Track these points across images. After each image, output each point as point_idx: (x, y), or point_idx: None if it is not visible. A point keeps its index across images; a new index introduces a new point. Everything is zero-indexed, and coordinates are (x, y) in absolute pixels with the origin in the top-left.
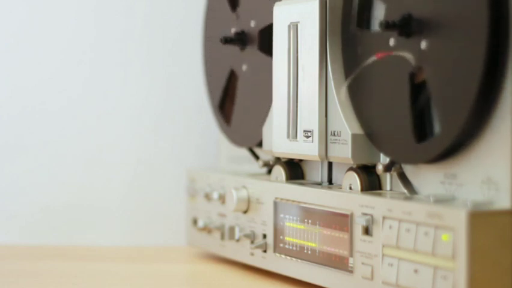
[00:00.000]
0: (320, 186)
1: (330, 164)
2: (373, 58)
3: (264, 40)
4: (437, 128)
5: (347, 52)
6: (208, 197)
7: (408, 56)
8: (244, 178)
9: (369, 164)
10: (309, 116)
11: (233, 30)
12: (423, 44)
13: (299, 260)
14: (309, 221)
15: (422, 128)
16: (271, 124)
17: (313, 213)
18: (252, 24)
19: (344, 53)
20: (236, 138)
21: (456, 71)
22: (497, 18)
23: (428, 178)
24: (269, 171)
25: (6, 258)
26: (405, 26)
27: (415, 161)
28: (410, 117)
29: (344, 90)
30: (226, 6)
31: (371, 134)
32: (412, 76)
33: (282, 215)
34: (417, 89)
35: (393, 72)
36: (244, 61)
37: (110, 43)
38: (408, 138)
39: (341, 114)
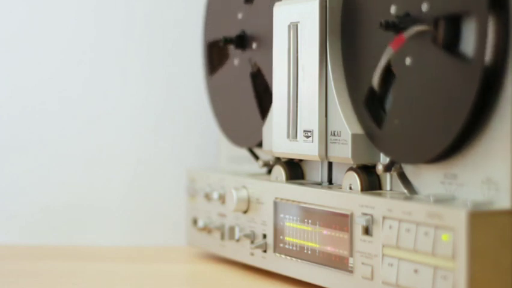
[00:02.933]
0: (320, 186)
1: (330, 164)
2: (389, 50)
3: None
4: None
5: (347, 52)
6: (208, 197)
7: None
8: (244, 178)
9: (369, 164)
10: (309, 116)
11: (234, 31)
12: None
13: (299, 260)
14: (309, 221)
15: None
16: (271, 124)
17: (313, 213)
18: (254, 24)
19: (344, 53)
20: (236, 138)
21: (456, 70)
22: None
23: (428, 178)
24: (269, 171)
25: (6, 258)
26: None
27: (415, 161)
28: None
29: (375, 80)
30: (227, 6)
31: (371, 134)
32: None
33: (282, 215)
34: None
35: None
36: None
37: (110, 43)
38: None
39: (341, 114)
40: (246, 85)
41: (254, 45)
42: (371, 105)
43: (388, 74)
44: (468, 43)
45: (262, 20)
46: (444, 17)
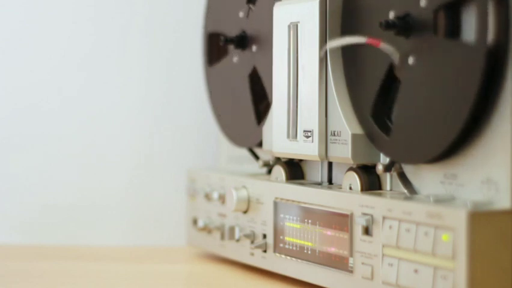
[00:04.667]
0: (320, 186)
1: (330, 164)
2: (362, 40)
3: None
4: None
5: (347, 52)
6: (208, 197)
7: (395, 53)
8: (244, 178)
9: (369, 164)
10: (309, 116)
11: (234, 31)
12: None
13: (299, 260)
14: (309, 221)
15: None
16: (271, 124)
17: (313, 213)
18: (254, 24)
19: (344, 53)
20: (236, 138)
21: (456, 70)
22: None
23: (428, 178)
24: (269, 171)
25: (6, 258)
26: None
27: (415, 161)
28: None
29: (322, 51)
30: (227, 6)
31: (371, 134)
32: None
33: (282, 215)
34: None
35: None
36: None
37: (110, 43)
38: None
39: (341, 114)
40: (244, 86)
41: (254, 48)
42: (377, 115)
43: (390, 80)
44: (469, 30)
45: (263, 22)
46: (444, 7)
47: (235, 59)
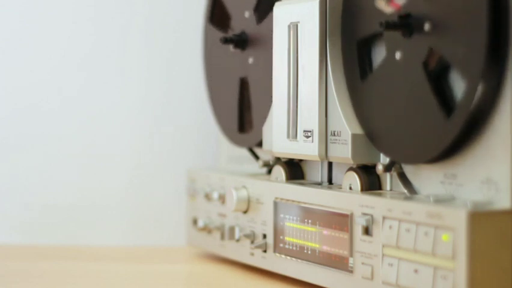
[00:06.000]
0: (320, 186)
1: (330, 164)
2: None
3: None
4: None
5: (347, 52)
6: (208, 197)
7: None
8: (244, 178)
9: (369, 164)
10: (309, 116)
11: (233, 31)
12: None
13: (299, 260)
14: (309, 221)
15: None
16: (271, 124)
17: (313, 213)
18: (253, 24)
19: (344, 53)
20: (236, 138)
21: (456, 70)
22: (497, 17)
23: (428, 178)
24: (269, 171)
25: (6, 258)
26: (406, 26)
27: (415, 161)
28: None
29: None
30: (226, 6)
31: (371, 134)
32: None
33: (282, 215)
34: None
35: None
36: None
37: (110, 43)
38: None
39: (341, 114)
40: (235, 88)
41: (251, 57)
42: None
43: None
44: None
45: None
46: None
47: (233, 58)
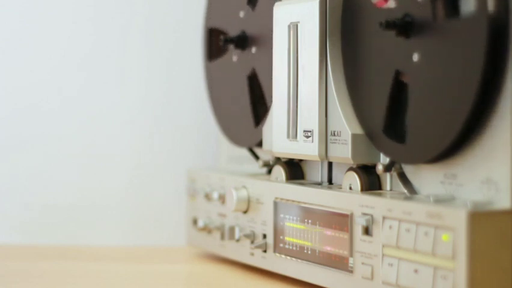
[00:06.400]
0: (320, 186)
1: (330, 164)
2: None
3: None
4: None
5: (347, 52)
6: (208, 197)
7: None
8: (244, 178)
9: (369, 164)
10: (309, 116)
11: (234, 31)
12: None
13: (299, 260)
14: (309, 221)
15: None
16: (271, 124)
17: (313, 213)
18: (255, 24)
19: (344, 53)
20: (236, 138)
21: (456, 71)
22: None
23: (428, 178)
24: (269, 171)
25: (6, 258)
26: (405, 26)
27: (415, 161)
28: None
29: None
30: (227, 6)
31: (371, 134)
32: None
33: (282, 215)
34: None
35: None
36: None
37: (110, 43)
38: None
39: (341, 114)
40: (243, 87)
41: (253, 49)
42: (390, 130)
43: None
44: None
45: (263, 23)
46: None
47: (234, 58)
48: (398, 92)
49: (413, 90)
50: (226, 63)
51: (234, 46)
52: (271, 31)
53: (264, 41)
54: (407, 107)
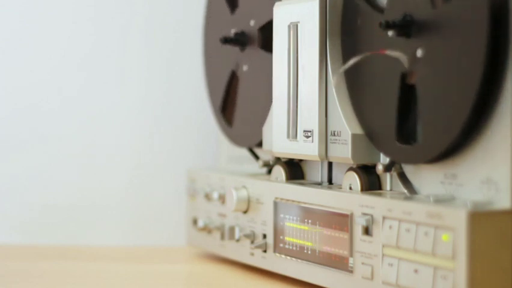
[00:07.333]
0: (320, 186)
1: (330, 164)
2: (366, 54)
3: (265, 38)
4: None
5: (347, 52)
6: (208, 197)
7: (402, 56)
8: (244, 178)
9: (369, 164)
10: (309, 116)
11: (233, 31)
12: (423, 42)
13: (299, 260)
14: (309, 221)
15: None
16: (271, 124)
17: (313, 213)
18: (252, 23)
19: (344, 53)
20: (236, 138)
21: (456, 71)
22: (497, 19)
23: (428, 178)
24: (269, 171)
25: (6, 258)
26: (405, 26)
27: (415, 161)
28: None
29: (336, 77)
30: (226, 7)
31: (371, 134)
32: (404, 76)
33: (282, 215)
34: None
35: (388, 71)
36: (245, 61)
37: (110, 43)
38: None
39: (341, 114)
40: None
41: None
42: (370, 105)
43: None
44: (468, 44)
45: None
46: None
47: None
48: (400, 92)
49: (419, 88)
50: (225, 60)
51: (233, 46)
52: (269, 29)
53: (256, 40)
54: (409, 107)
